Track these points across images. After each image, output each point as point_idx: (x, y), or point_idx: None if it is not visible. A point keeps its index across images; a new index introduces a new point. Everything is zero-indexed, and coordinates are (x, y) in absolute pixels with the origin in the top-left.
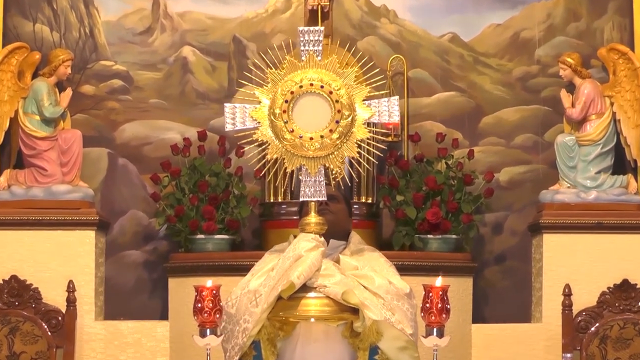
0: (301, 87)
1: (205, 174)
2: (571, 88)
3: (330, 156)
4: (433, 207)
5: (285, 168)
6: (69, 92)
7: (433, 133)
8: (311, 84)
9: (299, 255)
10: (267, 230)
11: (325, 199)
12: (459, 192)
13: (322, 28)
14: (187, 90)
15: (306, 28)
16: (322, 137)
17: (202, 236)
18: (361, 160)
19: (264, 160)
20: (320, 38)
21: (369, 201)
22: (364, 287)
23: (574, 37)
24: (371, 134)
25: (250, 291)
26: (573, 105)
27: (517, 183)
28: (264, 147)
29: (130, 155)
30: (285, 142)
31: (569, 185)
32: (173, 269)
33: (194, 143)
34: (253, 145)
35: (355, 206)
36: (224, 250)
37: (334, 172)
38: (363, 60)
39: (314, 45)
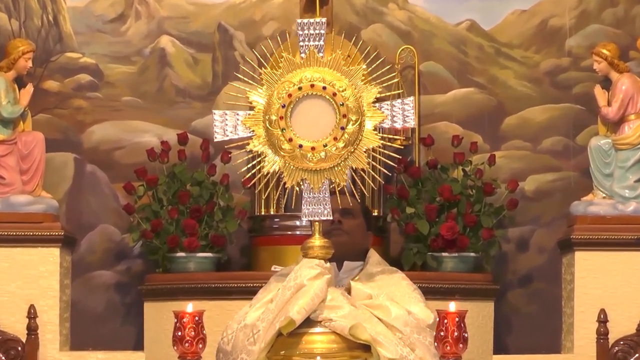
0: (300, 88)
1: (187, 182)
2: (607, 84)
3: (336, 168)
4: (448, 220)
5: (284, 183)
6: (29, 88)
7: (448, 135)
8: (312, 85)
9: (300, 284)
10: (257, 247)
11: (331, 217)
12: (478, 203)
13: (325, 20)
14: (165, 86)
15: (306, 20)
16: (325, 146)
17: (182, 254)
18: (372, 173)
19: (254, 170)
20: (323, 31)
21: (375, 214)
22: (379, 319)
23: (610, 25)
24: (383, 142)
25: (247, 325)
26: (609, 104)
27: (545, 193)
28: (258, 158)
29: (100, 161)
30: (283, 153)
31: (604, 195)
32: (149, 292)
33: (174, 147)
34: (242, 150)
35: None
36: (208, 271)
37: (333, 184)
38: (365, 52)
39: (315, 40)
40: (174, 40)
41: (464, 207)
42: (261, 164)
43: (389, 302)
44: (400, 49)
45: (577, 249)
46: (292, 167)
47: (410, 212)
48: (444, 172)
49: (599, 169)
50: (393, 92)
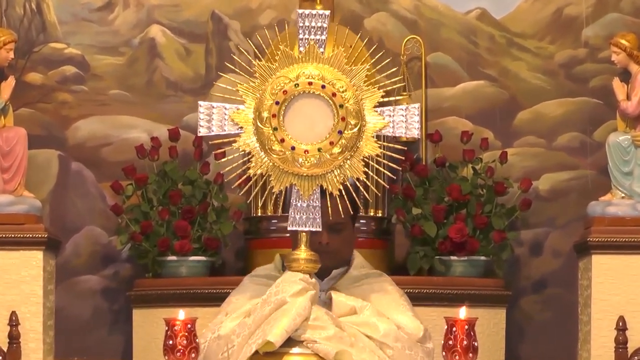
0: (297, 85)
1: (178, 181)
2: (626, 76)
3: (329, 175)
4: (457, 222)
5: (272, 187)
6: (11, 81)
7: (457, 131)
8: (310, 83)
9: (282, 301)
10: (253, 250)
11: (320, 228)
12: (489, 203)
13: (328, 12)
14: (155, 79)
15: (307, 11)
16: (320, 150)
17: (173, 258)
18: (368, 183)
19: (245, 175)
20: (325, 24)
21: (379, 215)
22: (368, 336)
23: (629, 14)
24: (382, 151)
25: (222, 337)
26: (628, 98)
27: (561, 193)
28: (247, 157)
29: (86, 159)
30: (273, 155)
31: (623, 195)
32: (138, 298)
33: (164, 144)
34: (232, 147)
35: (361, 221)
36: (201, 275)
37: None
38: (365, 41)
39: (316, 34)
40: (164, 30)
41: (474, 207)
42: (247, 165)
43: (376, 318)
44: (406, 39)
45: (594, 253)
46: (281, 170)
47: (417, 213)
48: (453, 171)
49: (617, 167)
50: (398, 85)
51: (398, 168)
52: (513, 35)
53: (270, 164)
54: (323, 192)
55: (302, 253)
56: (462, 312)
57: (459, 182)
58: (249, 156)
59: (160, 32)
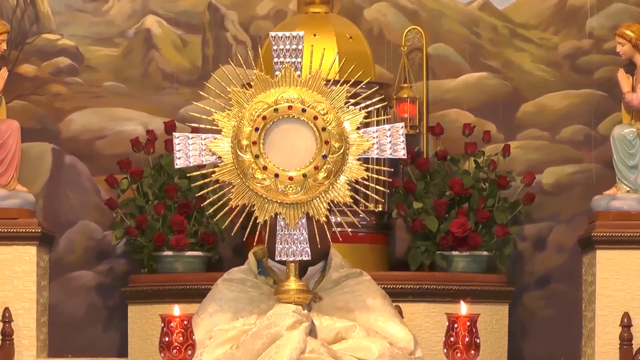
0: (276, 110)
1: (174, 175)
2: (631, 68)
3: (315, 201)
4: (459, 216)
5: (256, 217)
6: (3, 73)
7: (459, 124)
8: (289, 107)
9: (276, 334)
10: (250, 246)
11: (309, 257)
12: (491, 198)
13: (302, 33)
14: (151, 70)
15: (280, 33)
16: (305, 176)
17: (169, 253)
18: (355, 207)
19: (226, 208)
20: (301, 46)
21: (379, 209)
22: None
23: (634, 4)
24: (368, 173)
25: None
26: (633, 90)
27: (564, 187)
28: (226, 188)
29: (80, 152)
30: (255, 184)
31: (628, 189)
32: (133, 294)
33: (160, 136)
34: (212, 178)
35: (360, 215)
36: (197, 271)
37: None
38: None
39: (292, 56)
40: (160, 21)
41: (476, 202)
42: (227, 197)
43: (367, 340)
44: (407, 30)
45: (598, 248)
46: (265, 199)
47: (418, 208)
48: (455, 164)
49: (622, 161)
50: (379, 105)
51: (385, 190)
52: (516, 25)
53: (253, 193)
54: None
55: (293, 284)
56: (464, 308)
57: (460, 175)
58: (230, 187)
59: (156, 22)
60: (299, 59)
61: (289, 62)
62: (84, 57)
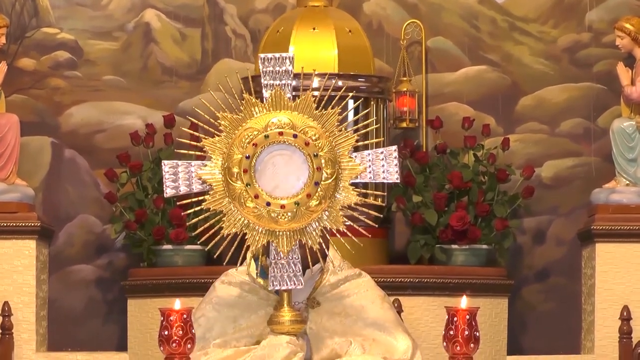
0: (267, 137)
1: None
2: (631, 61)
3: (308, 229)
4: (458, 210)
5: (248, 246)
6: (3, 67)
7: (459, 117)
8: (280, 133)
9: None
10: None
11: (302, 285)
12: (490, 191)
13: (292, 54)
14: (150, 64)
15: (270, 55)
16: (297, 204)
17: (169, 247)
18: (348, 233)
19: (217, 237)
20: (291, 68)
21: (378, 203)
22: None
23: None
24: (361, 198)
25: None
26: (633, 83)
27: (564, 180)
28: (218, 216)
29: (80, 146)
30: (246, 212)
31: (627, 182)
32: (133, 288)
33: (159, 130)
34: (202, 207)
35: (359, 209)
36: (197, 265)
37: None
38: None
39: (281, 78)
40: (159, 14)
41: (476, 195)
42: (218, 226)
43: (362, 358)
44: (406, 24)
45: (598, 241)
46: (257, 228)
47: (417, 201)
48: (454, 157)
49: (622, 154)
50: (371, 127)
51: (379, 215)
52: (515, 19)
53: (245, 221)
54: None
55: (287, 314)
56: (464, 302)
57: (460, 169)
58: (221, 215)
59: (155, 16)
60: (289, 81)
61: (278, 84)
62: (83, 51)
